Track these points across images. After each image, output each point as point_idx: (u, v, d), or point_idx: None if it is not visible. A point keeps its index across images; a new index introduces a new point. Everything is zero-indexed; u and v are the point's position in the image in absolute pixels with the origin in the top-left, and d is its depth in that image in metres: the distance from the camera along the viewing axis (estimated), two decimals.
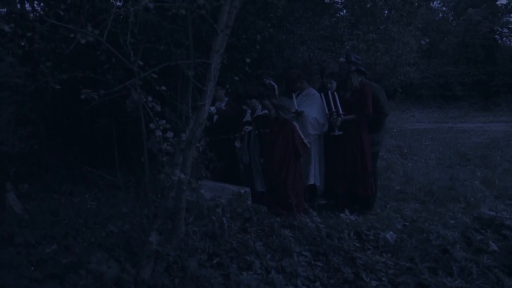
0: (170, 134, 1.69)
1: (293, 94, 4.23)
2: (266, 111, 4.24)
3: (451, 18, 20.24)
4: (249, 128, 4.20)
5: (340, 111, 3.88)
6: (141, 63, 1.66)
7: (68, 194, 5.04)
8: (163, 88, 1.90)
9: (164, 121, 1.64)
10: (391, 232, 3.23)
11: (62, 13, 1.91)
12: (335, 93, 3.92)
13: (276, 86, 4.45)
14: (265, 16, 4.45)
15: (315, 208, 4.22)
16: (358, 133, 3.99)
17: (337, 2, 7.41)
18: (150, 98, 1.69)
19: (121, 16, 1.88)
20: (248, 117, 4.25)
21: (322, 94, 4.08)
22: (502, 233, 2.58)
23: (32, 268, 2.76)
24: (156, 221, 2.53)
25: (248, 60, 3.20)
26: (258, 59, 5.98)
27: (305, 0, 5.66)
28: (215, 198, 3.62)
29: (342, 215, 3.81)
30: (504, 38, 21.56)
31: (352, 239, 2.93)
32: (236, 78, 3.22)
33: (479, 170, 7.26)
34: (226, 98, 4.56)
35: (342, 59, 3.95)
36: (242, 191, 3.79)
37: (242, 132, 4.25)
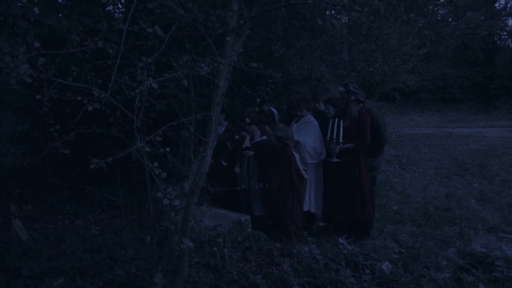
0: (177, 202, 1.78)
1: (293, 122, 4.32)
2: (265, 137, 4.33)
3: (449, 19, 20.24)
4: (250, 152, 4.28)
5: (341, 139, 3.95)
6: (144, 141, 1.74)
7: (72, 215, 5.14)
8: (168, 149, 1.99)
9: (171, 189, 1.72)
10: (387, 263, 3.33)
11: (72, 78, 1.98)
12: (341, 121, 3.98)
13: (275, 112, 4.52)
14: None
15: (314, 231, 4.33)
16: (356, 160, 4.06)
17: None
18: (156, 164, 1.78)
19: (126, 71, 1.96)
20: (247, 143, 4.33)
21: (330, 120, 4.10)
22: (493, 275, 2.68)
23: None
24: (161, 263, 2.63)
25: (248, 121, 3.28)
26: (257, 78, 6.05)
27: (304, 19, 5.72)
28: (216, 227, 3.71)
29: (340, 239, 3.92)
30: (503, 42, 21.59)
31: (348, 275, 3.03)
32: (236, 137, 3.31)
33: (476, 181, 7.39)
34: (226, 123, 4.64)
35: (341, 88, 4.02)
36: (243, 219, 3.88)
37: (243, 156, 4.34)
